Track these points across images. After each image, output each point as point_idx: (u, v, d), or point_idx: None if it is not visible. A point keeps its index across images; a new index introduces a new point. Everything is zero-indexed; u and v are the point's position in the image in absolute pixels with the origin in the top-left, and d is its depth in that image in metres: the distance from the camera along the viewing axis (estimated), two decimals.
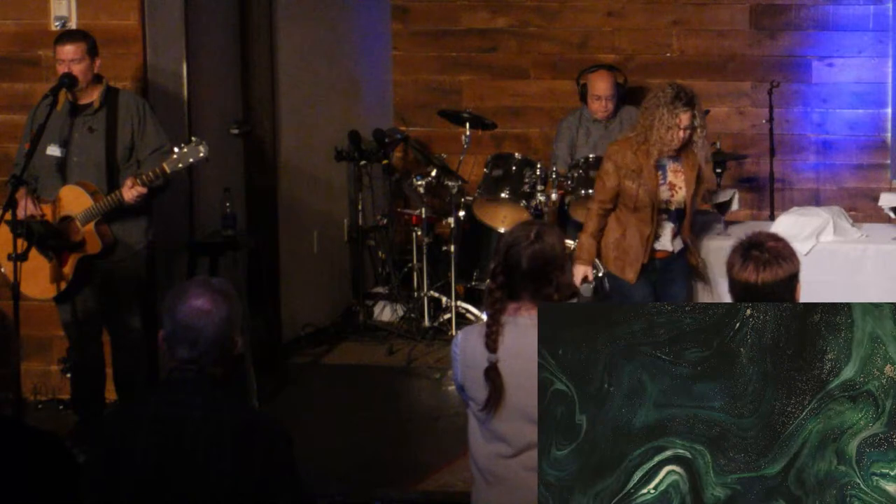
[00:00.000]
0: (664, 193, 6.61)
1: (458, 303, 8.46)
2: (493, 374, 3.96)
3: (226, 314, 3.55)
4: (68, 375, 6.86)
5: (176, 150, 6.32)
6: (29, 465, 3.47)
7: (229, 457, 3.47)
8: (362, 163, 8.72)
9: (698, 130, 6.52)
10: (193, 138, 6.40)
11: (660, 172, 6.59)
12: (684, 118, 6.47)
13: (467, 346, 4.06)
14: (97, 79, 6.46)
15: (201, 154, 6.30)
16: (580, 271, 6.72)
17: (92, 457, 3.58)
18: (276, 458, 3.50)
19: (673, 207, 6.65)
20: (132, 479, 3.50)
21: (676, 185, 6.61)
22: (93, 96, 6.44)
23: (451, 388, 7.75)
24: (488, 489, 4.07)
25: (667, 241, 6.69)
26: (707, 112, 6.82)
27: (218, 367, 3.56)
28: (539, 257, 3.99)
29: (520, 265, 4.00)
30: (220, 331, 3.54)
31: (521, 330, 3.98)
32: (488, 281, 4.10)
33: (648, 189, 6.53)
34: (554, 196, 8.14)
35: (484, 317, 8.26)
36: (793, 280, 3.81)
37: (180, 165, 6.31)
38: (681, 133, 6.48)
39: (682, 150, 6.58)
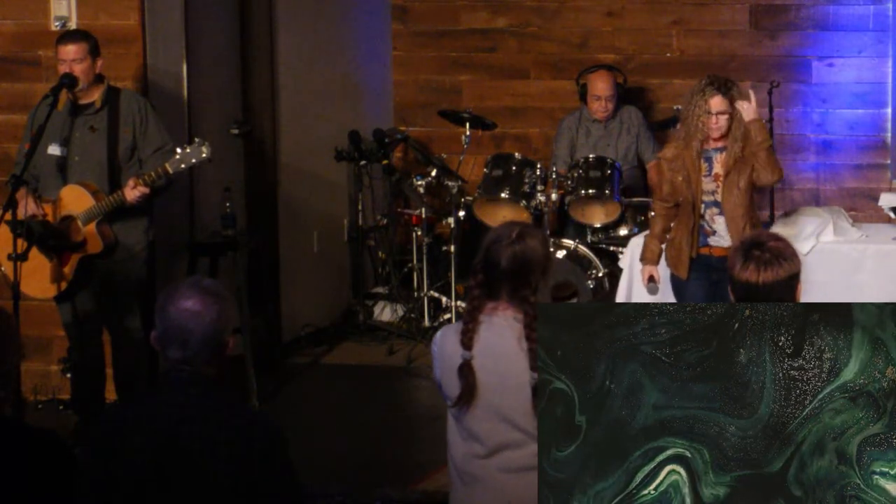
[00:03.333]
0: (709, 185, 6.48)
1: (458, 303, 8.46)
2: (466, 371, 3.96)
3: (216, 315, 3.56)
4: (68, 375, 6.86)
5: (179, 150, 6.32)
6: (29, 465, 3.47)
7: (226, 456, 3.47)
8: (362, 163, 8.72)
9: (735, 117, 6.39)
10: (196, 139, 6.39)
11: (706, 164, 6.49)
12: (715, 102, 6.38)
13: (444, 343, 4.06)
14: (99, 79, 6.45)
15: (204, 155, 6.30)
16: (644, 271, 6.72)
17: (89, 457, 3.58)
18: (273, 457, 3.51)
19: (721, 199, 6.48)
20: (130, 479, 3.50)
21: (722, 174, 6.47)
22: (94, 96, 6.44)
23: None
24: (464, 489, 4.06)
25: (723, 237, 6.48)
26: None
27: (210, 366, 3.57)
28: (518, 258, 3.97)
29: (498, 264, 3.98)
30: (211, 331, 3.55)
31: (497, 329, 3.98)
32: (469, 278, 4.09)
33: (691, 181, 6.48)
34: (554, 196, 8.14)
35: None
36: (793, 280, 3.81)
37: (183, 166, 6.31)
38: (714, 119, 6.38)
39: (729, 139, 6.46)
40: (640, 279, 7.06)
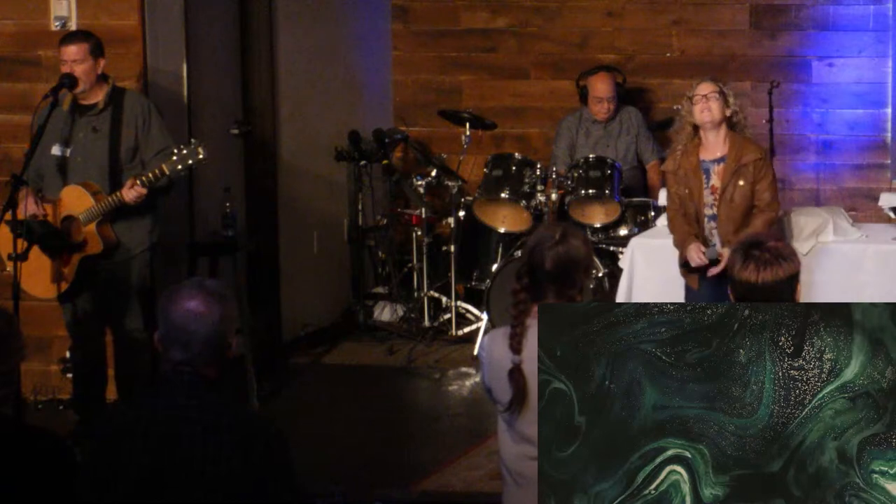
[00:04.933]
0: (707, 197, 6.48)
1: (458, 303, 8.46)
2: (516, 376, 3.97)
3: (219, 316, 3.54)
4: (69, 375, 6.86)
5: (175, 151, 6.32)
6: (29, 464, 3.47)
7: (226, 458, 3.47)
8: (362, 163, 8.72)
9: (729, 106, 6.42)
10: (193, 140, 6.39)
11: (703, 176, 6.48)
12: (703, 86, 6.43)
13: (493, 348, 4.07)
14: (103, 78, 6.45)
15: (200, 156, 6.29)
16: (692, 250, 6.43)
17: (89, 457, 3.58)
18: (273, 458, 3.50)
19: (717, 209, 6.47)
20: (130, 479, 3.50)
21: (719, 187, 6.46)
22: (98, 96, 6.44)
23: (451, 388, 7.76)
24: (517, 490, 4.08)
25: (718, 247, 6.42)
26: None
27: (211, 368, 3.56)
28: (563, 258, 4.00)
29: (543, 266, 4.00)
30: (214, 333, 3.53)
31: None
32: (514, 283, 4.09)
33: (694, 191, 6.46)
34: (554, 196, 8.14)
35: (484, 317, 8.29)
36: (793, 280, 3.81)
37: (179, 167, 6.30)
38: (703, 101, 6.39)
39: (728, 147, 6.46)
40: (640, 279, 7.06)
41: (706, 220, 6.48)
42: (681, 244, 6.54)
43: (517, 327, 4.00)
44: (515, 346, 3.98)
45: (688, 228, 6.53)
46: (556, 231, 4.05)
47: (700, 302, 6.39)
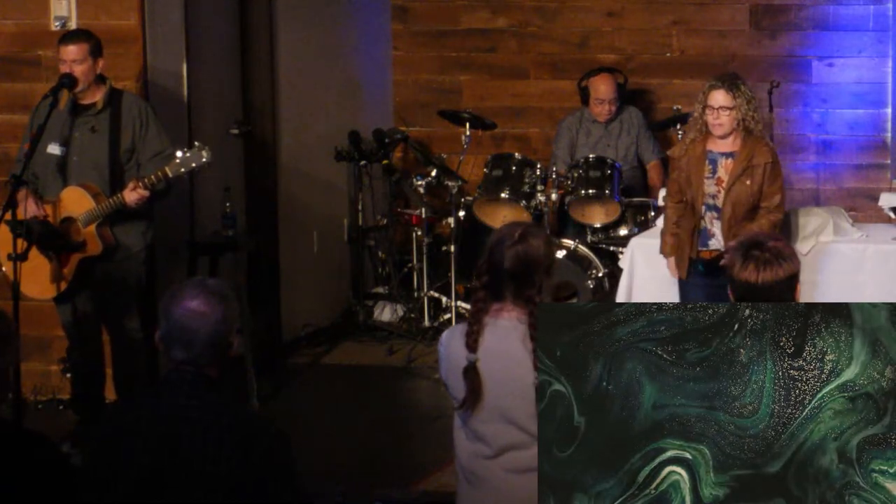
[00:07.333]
0: (710, 188, 6.44)
1: (458, 303, 8.46)
2: (471, 374, 3.95)
3: (221, 315, 3.54)
4: (68, 375, 6.86)
5: (179, 154, 6.30)
6: (21, 467, 3.45)
7: (226, 458, 3.46)
8: (362, 163, 8.72)
9: (741, 113, 6.34)
10: (196, 143, 6.38)
11: (709, 166, 6.45)
12: (716, 96, 6.35)
13: (450, 344, 4.05)
14: (101, 79, 6.45)
15: (204, 159, 6.29)
16: (670, 263, 6.60)
17: (90, 457, 3.58)
18: (274, 458, 3.50)
19: (721, 204, 6.43)
20: (129, 479, 3.50)
21: (725, 181, 6.42)
22: (96, 97, 6.44)
23: None
24: (470, 489, 4.06)
25: (719, 241, 6.44)
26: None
27: (212, 367, 3.56)
28: (522, 258, 3.96)
29: (502, 265, 3.98)
30: (216, 332, 3.53)
31: (502, 332, 3.96)
32: (473, 280, 4.08)
33: (692, 181, 6.45)
34: (554, 196, 8.14)
35: None
36: (793, 280, 3.81)
37: (183, 170, 6.30)
38: (714, 114, 6.35)
39: (740, 144, 6.43)
40: (640, 279, 7.06)
41: (704, 209, 6.47)
42: (662, 247, 6.65)
43: (474, 325, 3.98)
44: (471, 344, 3.96)
45: (671, 238, 6.58)
46: (517, 230, 4.02)
47: (687, 291, 6.50)
